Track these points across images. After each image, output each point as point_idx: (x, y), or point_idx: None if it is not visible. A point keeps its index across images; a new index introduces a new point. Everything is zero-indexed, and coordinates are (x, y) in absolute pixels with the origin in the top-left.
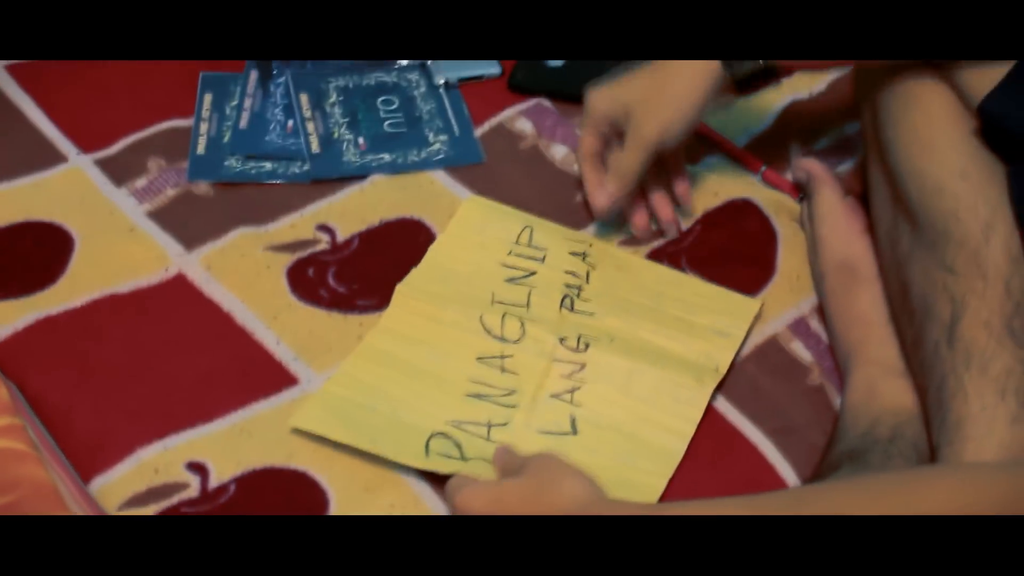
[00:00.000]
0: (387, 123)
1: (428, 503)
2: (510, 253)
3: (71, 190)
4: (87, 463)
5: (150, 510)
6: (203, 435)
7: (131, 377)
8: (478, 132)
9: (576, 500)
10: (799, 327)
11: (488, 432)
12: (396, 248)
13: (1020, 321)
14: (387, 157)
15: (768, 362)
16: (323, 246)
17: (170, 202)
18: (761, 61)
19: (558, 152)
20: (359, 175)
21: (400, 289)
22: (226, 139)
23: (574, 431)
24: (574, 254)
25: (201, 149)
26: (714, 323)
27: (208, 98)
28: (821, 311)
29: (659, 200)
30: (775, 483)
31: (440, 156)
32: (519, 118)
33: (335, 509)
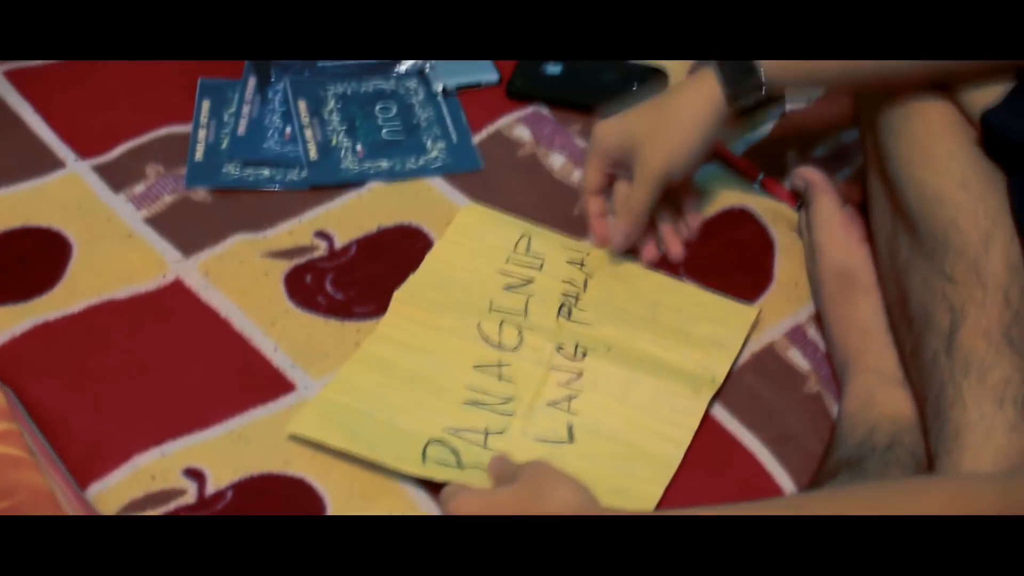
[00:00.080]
0: (385, 130)
1: (424, 510)
2: (508, 261)
3: (69, 196)
4: (84, 469)
5: None
6: (200, 441)
7: (128, 383)
8: (476, 139)
9: (569, 508)
10: (796, 335)
11: (485, 440)
12: (394, 255)
13: (1019, 330)
14: (385, 164)
15: (765, 370)
16: (321, 253)
17: (168, 208)
18: (763, 91)
19: (556, 160)
20: (357, 182)
21: (398, 296)
22: (224, 145)
23: (571, 439)
24: (571, 262)
25: (199, 155)
26: (711, 333)
27: (206, 104)
28: (818, 319)
29: (668, 233)
30: (772, 490)
31: (438, 163)
32: (517, 125)
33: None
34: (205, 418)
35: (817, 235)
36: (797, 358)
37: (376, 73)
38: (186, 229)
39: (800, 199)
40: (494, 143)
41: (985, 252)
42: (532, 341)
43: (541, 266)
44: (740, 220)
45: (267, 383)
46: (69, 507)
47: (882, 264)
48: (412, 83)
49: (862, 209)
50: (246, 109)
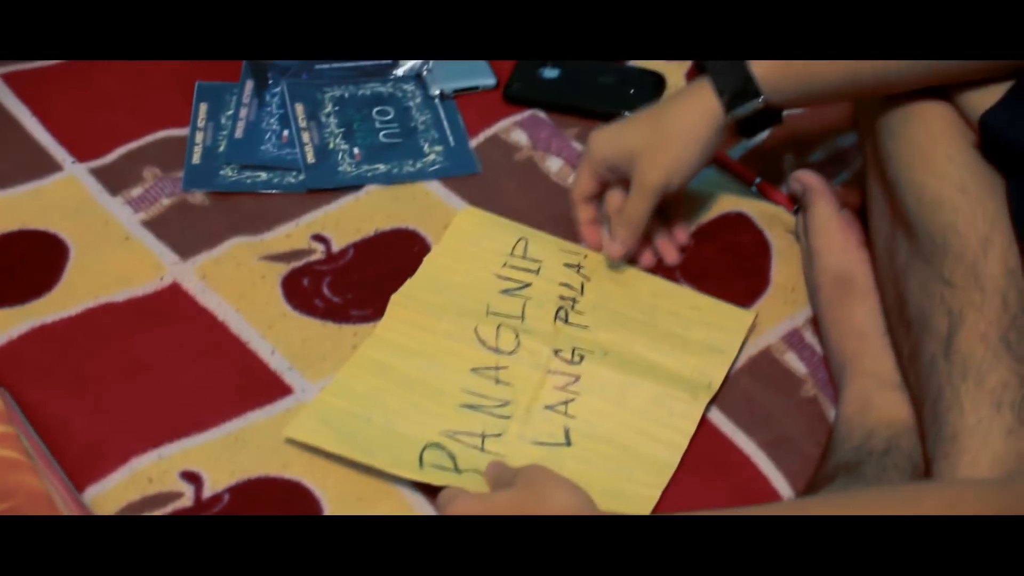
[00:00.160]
0: (382, 134)
1: (421, 514)
2: (505, 264)
3: (66, 199)
4: (82, 472)
5: None
6: (197, 444)
7: (126, 386)
8: (473, 143)
9: (566, 511)
10: (793, 339)
11: (482, 443)
12: (391, 258)
13: (1016, 334)
14: (382, 167)
15: (762, 374)
16: (318, 256)
17: (165, 211)
18: (761, 101)
19: (553, 164)
20: (354, 185)
21: (395, 299)
22: (221, 149)
23: (568, 442)
24: (568, 266)
25: (196, 159)
26: (708, 338)
27: (203, 108)
28: (815, 323)
29: (663, 244)
30: (769, 494)
31: (435, 167)
32: (514, 129)
33: None
34: (202, 421)
35: (814, 239)
36: (794, 362)
37: (373, 76)
38: (183, 232)
39: (797, 203)
40: (491, 147)
41: (983, 256)
42: (529, 345)
43: (538, 270)
44: (737, 224)
45: (264, 386)
46: (66, 510)
47: (880, 267)
48: (409, 87)
49: (859, 213)
50: (243, 112)
